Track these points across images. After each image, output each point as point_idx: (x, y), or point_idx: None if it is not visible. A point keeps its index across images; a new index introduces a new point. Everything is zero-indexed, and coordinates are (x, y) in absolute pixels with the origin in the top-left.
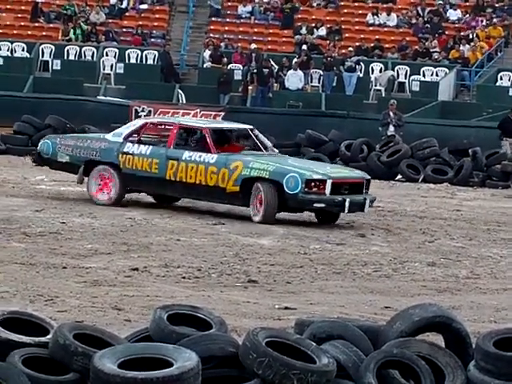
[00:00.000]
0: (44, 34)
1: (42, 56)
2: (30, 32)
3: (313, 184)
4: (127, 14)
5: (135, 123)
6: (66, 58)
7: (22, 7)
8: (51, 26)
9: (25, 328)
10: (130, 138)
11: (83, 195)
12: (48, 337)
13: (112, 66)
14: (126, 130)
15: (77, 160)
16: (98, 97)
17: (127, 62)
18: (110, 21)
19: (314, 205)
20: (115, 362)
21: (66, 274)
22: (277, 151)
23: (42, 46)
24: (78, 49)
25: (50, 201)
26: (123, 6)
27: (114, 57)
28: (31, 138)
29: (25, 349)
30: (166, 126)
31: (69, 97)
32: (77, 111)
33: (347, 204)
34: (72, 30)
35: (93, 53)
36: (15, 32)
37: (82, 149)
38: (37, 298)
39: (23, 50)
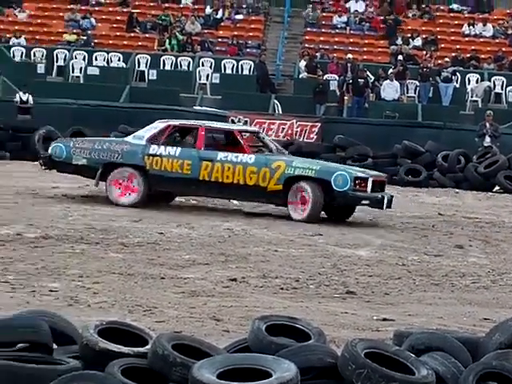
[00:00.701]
0: (140, 44)
1: (138, 66)
2: (125, 42)
3: (358, 182)
4: (222, 24)
5: (156, 126)
6: (162, 67)
7: (118, 17)
8: (147, 36)
9: (123, 338)
10: (154, 141)
11: (181, 206)
12: (147, 347)
13: (208, 76)
14: (147, 132)
15: (95, 163)
16: (194, 107)
17: (223, 72)
18: (206, 31)
19: (362, 202)
20: (214, 372)
21: (164, 285)
22: (286, 152)
23: (138, 56)
24: (173, 59)
25: (148, 211)
26: (218, 16)
27: (210, 67)
28: None
29: (124, 359)
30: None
31: (165, 107)
32: None
33: (385, 201)
34: (168, 40)
35: (189, 63)
36: (111, 42)
37: (102, 151)
38: (135, 308)
39: (119, 60)
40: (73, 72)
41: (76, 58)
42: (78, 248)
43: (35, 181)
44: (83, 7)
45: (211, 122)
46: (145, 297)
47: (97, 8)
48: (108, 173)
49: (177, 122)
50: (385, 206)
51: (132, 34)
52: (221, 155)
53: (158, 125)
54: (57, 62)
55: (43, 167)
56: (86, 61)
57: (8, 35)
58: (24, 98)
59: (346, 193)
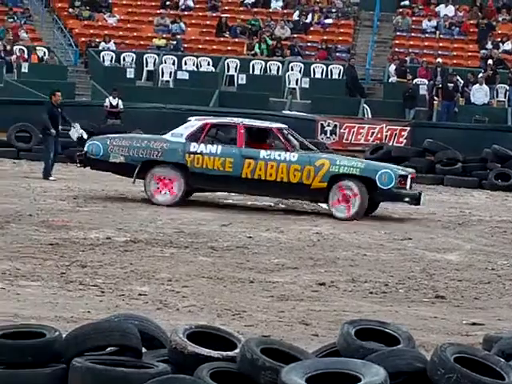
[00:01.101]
0: (229, 48)
1: (228, 70)
2: (215, 47)
3: (400, 179)
4: (312, 28)
5: (194, 124)
6: (251, 72)
7: (208, 22)
8: (236, 40)
9: (212, 342)
10: (193, 138)
11: (270, 210)
12: (235, 351)
13: (297, 80)
14: (185, 130)
15: (133, 160)
16: (284, 111)
17: (312, 76)
18: (295, 35)
19: (404, 199)
20: (303, 376)
21: (253, 289)
22: (315, 149)
23: (228, 60)
24: (263, 63)
25: (237, 215)
26: (308, 20)
27: (300, 71)
28: None
29: (213, 363)
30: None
31: (254, 111)
32: None
33: (422, 197)
34: (257, 45)
35: (278, 67)
36: (201, 47)
37: (140, 149)
38: (224, 312)
39: (209, 64)
40: (162, 76)
41: (165, 62)
42: (167, 252)
43: (124, 185)
44: (173, 12)
45: (249, 119)
46: (234, 301)
47: (186, 13)
48: (145, 171)
49: (214, 120)
50: (422, 202)
51: (221, 39)
52: (263, 153)
53: (196, 123)
54: (146, 66)
55: (79, 165)
56: (176, 65)
57: (98, 40)
58: (114, 102)
59: (390, 190)
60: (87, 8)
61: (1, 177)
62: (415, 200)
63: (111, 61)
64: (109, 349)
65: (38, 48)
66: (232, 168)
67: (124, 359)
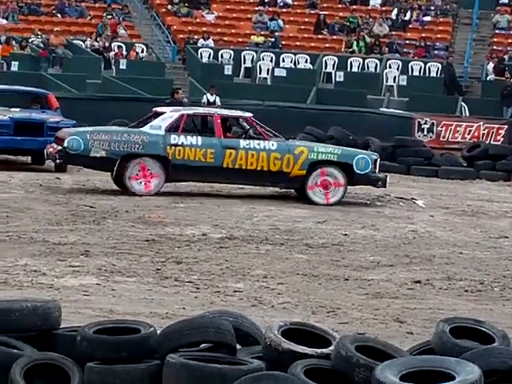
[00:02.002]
0: (327, 45)
1: (326, 68)
2: (313, 44)
3: (373, 163)
4: (410, 26)
5: (171, 115)
6: (349, 69)
7: (306, 19)
8: (334, 37)
9: (307, 339)
10: (172, 130)
11: (365, 207)
12: (330, 348)
13: (395, 78)
14: (163, 122)
15: (114, 154)
16: (381, 109)
17: (410, 74)
18: (394, 33)
19: (378, 183)
20: (397, 374)
21: (348, 286)
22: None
23: (325, 57)
24: (361, 61)
25: (333, 212)
26: (406, 18)
27: (397, 69)
28: None
29: (307, 360)
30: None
31: (352, 108)
32: (359, 123)
33: (388, 180)
34: (355, 42)
35: (376, 65)
36: (298, 44)
37: (121, 143)
38: (319, 309)
39: (306, 61)
40: (260, 73)
41: (263, 59)
42: (262, 249)
43: None
44: (271, 9)
45: (224, 109)
46: (328, 298)
47: (285, 10)
48: (124, 164)
49: (190, 111)
50: (387, 184)
51: (320, 36)
52: (243, 143)
53: (173, 114)
54: (244, 63)
55: (58, 161)
56: (274, 62)
57: (196, 37)
58: (211, 99)
59: (367, 175)
60: (186, 5)
61: (98, 173)
62: (384, 183)
63: (209, 58)
64: (203, 345)
65: (136, 45)
66: (213, 159)
67: (218, 356)
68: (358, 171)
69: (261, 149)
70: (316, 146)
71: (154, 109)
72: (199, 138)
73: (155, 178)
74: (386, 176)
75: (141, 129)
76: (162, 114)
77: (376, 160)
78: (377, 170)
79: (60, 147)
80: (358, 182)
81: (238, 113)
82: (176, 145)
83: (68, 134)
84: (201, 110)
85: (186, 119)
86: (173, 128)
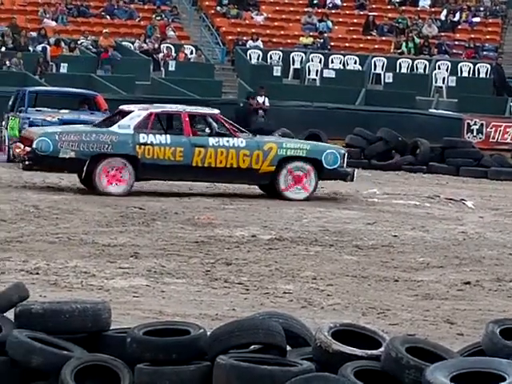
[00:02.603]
0: (376, 46)
1: (375, 69)
2: (362, 45)
3: (343, 158)
4: (459, 26)
5: (139, 114)
6: (398, 70)
7: (355, 20)
8: (383, 38)
9: (357, 340)
10: (140, 129)
11: (416, 209)
12: (380, 350)
13: (444, 79)
14: (131, 121)
15: (84, 155)
16: (430, 110)
17: (459, 75)
18: (443, 34)
19: (347, 177)
20: (447, 375)
21: (398, 287)
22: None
23: (374, 58)
24: (410, 62)
25: (382, 214)
26: (456, 19)
27: (446, 70)
28: (363, 151)
29: (357, 361)
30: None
31: (400, 110)
32: (408, 124)
33: (355, 174)
34: (404, 43)
35: (425, 66)
36: (347, 45)
37: (90, 143)
38: (369, 310)
39: (355, 62)
40: (309, 75)
41: (312, 60)
42: (312, 250)
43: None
44: (320, 10)
45: (193, 107)
46: (378, 299)
47: (333, 11)
48: (94, 164)
49: (158, 109)
50: (355, 178)
51: (368, 37)
52: (212, 141)
53: (141, 113)
54: (293, 64)
55: (27, 162)
56: (322, 63)
57: (245, 38)
58: (260, 100)
59: (336, 170)
60: (235, 6)
61: None
62: (352, 177)
63: (258, 59)
64: (253, 347)
65: (185, 46)
66: (183, 157)
67: (268, 357)
68: (327, 166)
69: (230, 146)
70: (285, 142)
71: (120, 107)
72: (168, 136)
73: (125, 178)
74: (354, 170)
75: (109, 128)
76: (128, 112)
77: (344, 155)
78: (345, 165)
79: (29, 148)
80: (328, 177)
81: (206, 110)
82: (145, 144)
83: (36, 134)
84: (168, 108)
85: (155, 118)
86: (141, 127)
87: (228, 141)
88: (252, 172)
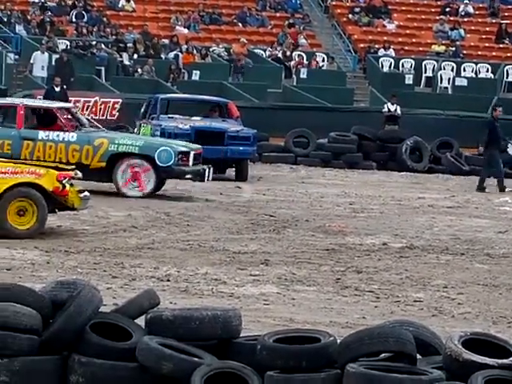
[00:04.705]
0: (509, 55)
1: (507, 77)
2: (494, 53)
3: (180, 156)
4: None
5: None
6: None
7: (487, 28)
8: None
9: (487, 349)
10: None
11: None
12: (511, 359)
13: None
14: None
15: None
16: None
17: None
18: None
19: (186, 176)
20: None
21: None
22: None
23: (507, 67)
24: None
25: None
26: None
27: None
28: None
29: (488, 370)
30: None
31: None
32: None
33: (207, 173)
34: None
35: None
36: (480, 53)
37: None
38: (499, 319)
39: (487, 70)
40: (441, 83)
41: (444, 68)
42: (442, 259)
43: (401, 191)
44: (452, 18)
45: (31, 99)
46: (509, 308)
47: (466, 19)
48: None
49: None
50: (206, 178)
51: (501, 45)
52: (42, 134)
53: None
54: (425, 72)
55: None
56: (454, 72)
57: (377, 46)
58: (392, 108)
59: (170, 168)
60: (367, 14)
61: (279, 182)
62: (199, 176)
63: (390, 67)
64: (383, 355)
65: (317, 54)
66: (11, 150)
67: (398, 365)
68: (161, 164)
69: (59, 140)
70: (118, 138)
71: None
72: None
73: None
74: (204, 169)
75: None
76: None
77: (183, 152)
78: (190, 163)
79: None
80: (165, 175)
81: (43, 103)
82: None
83: None
84: (3, 101)
85: None
86: None
87: (58, 135)
88: (83, 167)
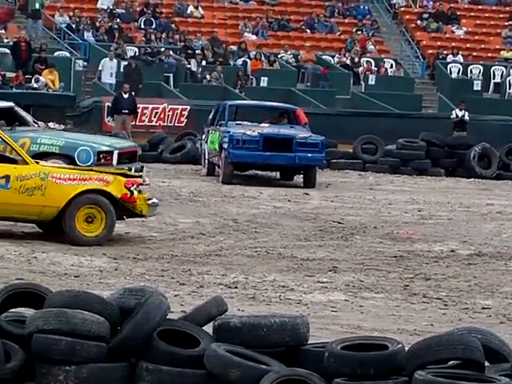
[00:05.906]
0: None
1: None
2: None
3: (102, 155)
4: None
5: None
6: None
7: None
8: None
9: None
10: None
11: None
12: None
13: None
14: None
15: None
16: None
17: None
18: None
19: None
20: None
21: None
22: (44, 125)
23: None
24: None
25: None
26: None
27: None
28: None
29: None
30: None
31: None
32: None
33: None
34: None
35: None
36: None
37: None
38: None
39: None
40: (509, 89)
41: None
42: (511, 266)
43: (470, 197)
44: None
45: None
46: None
47: None
48: None
49: None
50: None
51: None
52: None
53: None
54: (493, 78)
55: None
56: None
57: (445, 52)
58: (460, 114)
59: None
60: (435, 20)
61: (347, 188)
62: None
63: (458, 73)
64: (451, 362)
65: (385, 60)
66: None
67: (466, 373)
68: (80, 164)
69: None
70: (40, 138)
71: None
72: None
73: None
74: (128, 169)
75: None
76: None
77: (105, 152)
78: (114, 162)
79: None
80: None
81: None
82: None
83: None
84: None
85: None
86: None
87: None
88: None
